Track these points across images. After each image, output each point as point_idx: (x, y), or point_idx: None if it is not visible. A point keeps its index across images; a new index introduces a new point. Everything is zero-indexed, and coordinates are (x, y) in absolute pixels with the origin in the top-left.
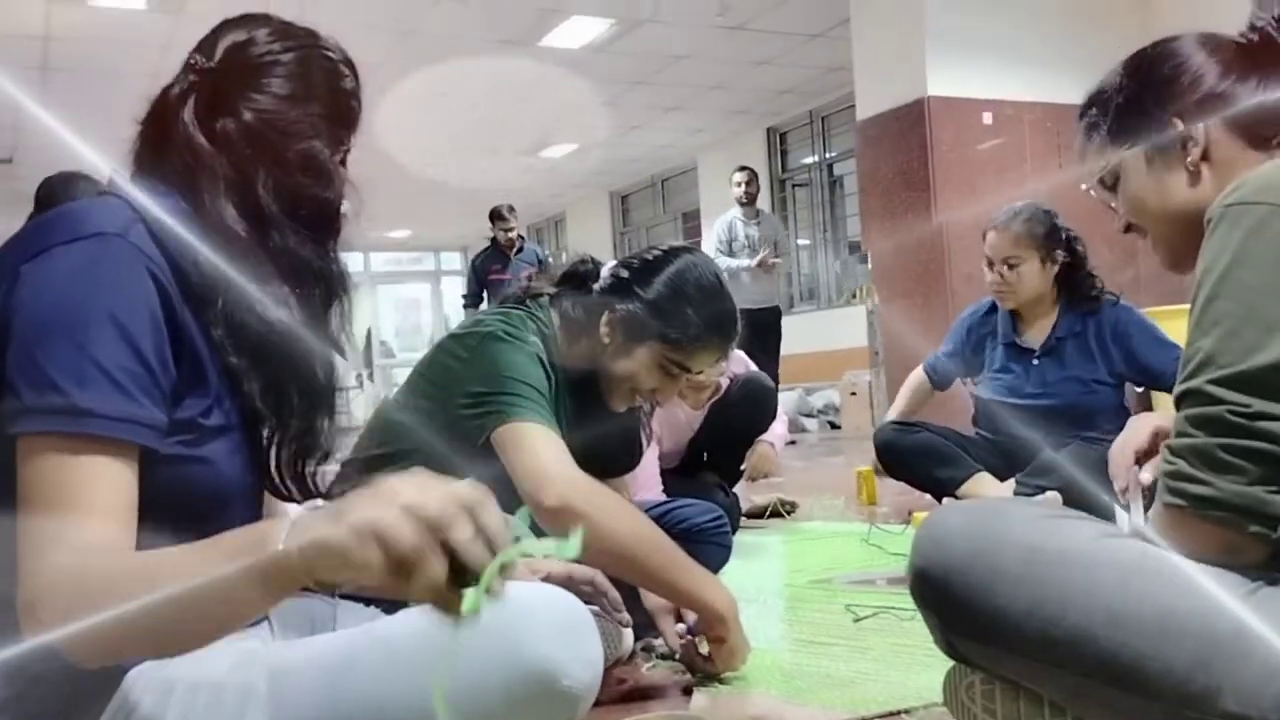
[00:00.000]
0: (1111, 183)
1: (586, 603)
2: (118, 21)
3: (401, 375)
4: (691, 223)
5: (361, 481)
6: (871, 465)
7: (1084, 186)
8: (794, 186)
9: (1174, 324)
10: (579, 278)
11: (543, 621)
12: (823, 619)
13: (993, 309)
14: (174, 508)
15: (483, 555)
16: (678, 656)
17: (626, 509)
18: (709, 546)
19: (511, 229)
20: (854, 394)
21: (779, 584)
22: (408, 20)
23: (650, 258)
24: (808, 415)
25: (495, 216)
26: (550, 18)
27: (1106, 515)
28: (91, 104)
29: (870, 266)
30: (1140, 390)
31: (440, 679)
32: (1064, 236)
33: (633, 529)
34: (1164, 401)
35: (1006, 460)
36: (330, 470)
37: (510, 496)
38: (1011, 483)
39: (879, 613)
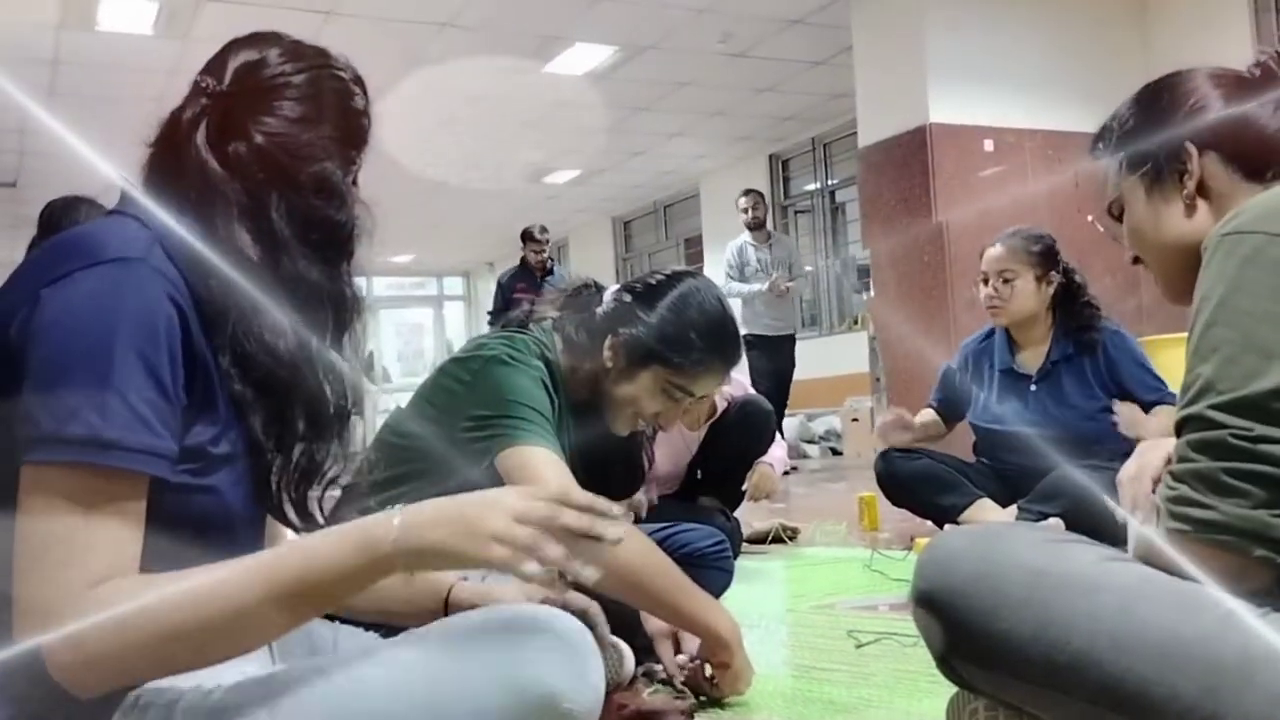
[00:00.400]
0: (1118, 213)
1: None
2: (125, 46)
3: (392, 402)
4: (694, 248)
5: (364, 507)
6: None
7: (1090, 218)
8: (796, 213)
9: (1176, 352)
10: (582, 301)
11: (545, 644)
12: (825, 644)
13: (990, 334)
14: (177, 535)
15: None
16: (680, 681)
17: (632, 533)
18: (711, 571)
19: (542, 251)
20: (856, 420)
21: (781, 609)
22: (412, 47)
23: (653, 282)
24: (809, 441)
25: (527, 237)
26: (554, 45)
27: (1112, 540)
28: (96, 129)
29: (872, 293)
30: None
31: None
32: (1060, 262)
33: (639, 553)
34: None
35: (1008, 487)
36: (333, 496)
37: None
38: (1013, 509)
39: (881, 639)
